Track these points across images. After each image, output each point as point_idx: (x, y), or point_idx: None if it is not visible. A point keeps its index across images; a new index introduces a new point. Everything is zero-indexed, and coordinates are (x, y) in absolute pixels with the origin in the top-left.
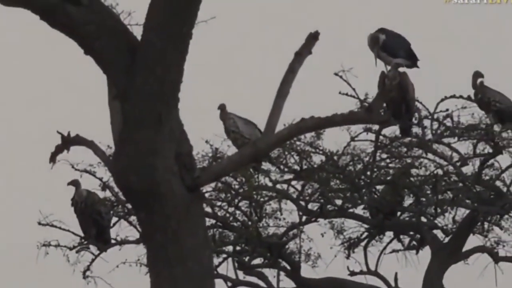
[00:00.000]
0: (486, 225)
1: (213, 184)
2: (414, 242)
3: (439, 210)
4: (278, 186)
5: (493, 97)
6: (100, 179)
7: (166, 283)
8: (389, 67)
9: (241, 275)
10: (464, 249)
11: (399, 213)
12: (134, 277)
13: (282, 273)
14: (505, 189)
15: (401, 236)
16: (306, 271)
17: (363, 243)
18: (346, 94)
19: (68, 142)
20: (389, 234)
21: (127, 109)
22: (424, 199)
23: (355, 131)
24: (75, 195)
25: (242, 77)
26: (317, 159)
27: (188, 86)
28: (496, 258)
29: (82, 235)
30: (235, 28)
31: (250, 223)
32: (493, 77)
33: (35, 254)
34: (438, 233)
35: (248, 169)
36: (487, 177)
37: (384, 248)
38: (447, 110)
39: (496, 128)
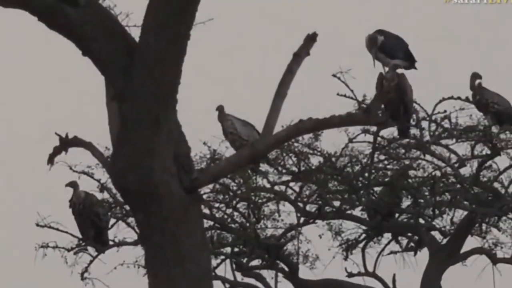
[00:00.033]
0: (484, 226)
1: (211, 186)
2: (412, 244)
3: (437, 212)
4: (276, 187)
5: (491, 99)
6: (98, 180)
7: (164, 284)
8: (387, 69)
9: (239, 276)
10: (462, 251)
11: (397, 215)
12: (132, 279)
13: (280, 274)
14: (503, 191)
15: (399, 238)
16: (304, 273)
17: (361, 245)
18: (344, 96)
19: (66, 143)
20: (387, 235)
21: (125, 110)
22: (422, 201)
23: (353, 132)
24: (73, 196)
25: (240, 79)
26: (315, 160)
27: (186, 88)
28: (494, 260)
29: (80, 236)
30: (233, 29)
31: (248, 224)
32: (493, 77)
33: (33, 255)
34: (436, 235)
35: (246, 170)
36: (485, 179)
37: (382, 249)
38: (445, 111)
39: (494, 129)
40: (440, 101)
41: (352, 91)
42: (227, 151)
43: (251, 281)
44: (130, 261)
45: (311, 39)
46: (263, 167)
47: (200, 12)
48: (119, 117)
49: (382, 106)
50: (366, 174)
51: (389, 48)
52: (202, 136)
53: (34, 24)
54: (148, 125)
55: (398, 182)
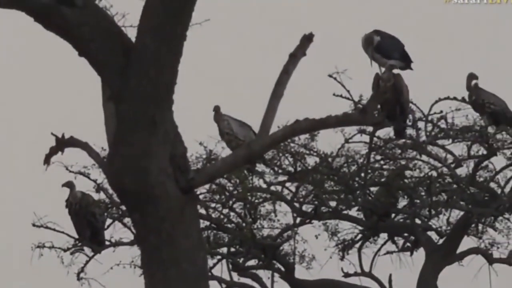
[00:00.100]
0: (480, 226)
1: (207, 186)
2: (408, 244)
3: (433, 212)
4: (272, 187)
5: (487, 99)
6: (95, 181)
7: (161, 284)
8: (383, 69)
9: (235, 276)
10: (458, 251)
11: (393, 215)
12: (128, 279)
13: (276, 274)
14: (499, 191)
15: (395, 238)
16: (300, 273)
17: (357, 245)
18: (340, 96)
19: (62, 143)
20: (383, 235)
21: (121, 110)
22: (418, 201)
23: (349, 132)
24: (70, 196)
25: (236, 79)
26: (311, 160)
27: (182, 88)
28: (491, 260)
29: (77, 236)
30: (230, 29)
31: (244, 224)
32: (493, 78)
33: (29, 255)
34: (432, 235)
35: (242, 170)
36: (481, 179)
37: (379, 249)
38: (441, 111)
39: (490, 129)
40: (436, 102)
41: (348, 91)
42: (223, 151)
43: (248, 281)
44: (126, 261)
45: (307, 39)
46: (260, 167)
47: (198, 13)
48: (116, 117)
49: (378, 106)
50: (363, 174)
51: (385, 48)
52: (198, 137)
53: (31, 25)
54: (144, 125)
55: (394, 182)
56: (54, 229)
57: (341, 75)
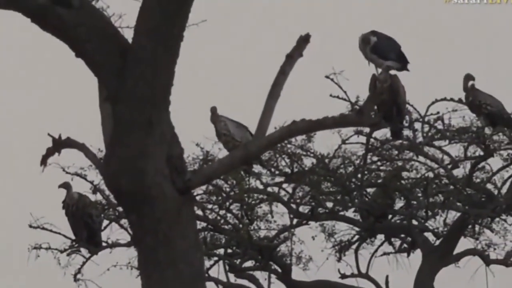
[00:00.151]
0: (477, 227)
1: (204, 187)
2: (405, 245)
3: (430, 213)
4: (269, 188)
5: (484, 100)
6: (91, 182)
7: (157, 285)
8: (380, 70)
9: (232, 278)
10: (455, 252)
11: (390, 216)
12: (125, 280)
13: (273, 275)
14: (496, 192)
15: (392, 239)
16: (297, 274)
17: (354, 246)
18: (337, 97)
19: (59, 144)
20: (380, 237)
21: (118, 111)
22: (415, 202)
23: (346, 133)
24: (66, 197)
25: (233, 80)
26: (308, 162)
27: (179, 89)
28: (487, 261)
29: (73, 238)
30: (228, 30)
31: (241, 226)
32: (493, 78)
33: (26, 256)
34: (429, 236)
35: (239, 171)
36: (478, 180)
37: (375, 251)
38: (438, 112)
39: (487, 131)
40: (433, 103)
41: (345, 92)
42: (220, 152)
43: (244, 282)
44: (123, 262)
45: (304, 40)
46: (256, 168)
47: (194, 13)
48: (112, 118)
49: (375, 107)
50: (359, 176)
51: (381, 49)
52: (195, 138)
53: (28, 25)
54: (141, 126)
55: (391, 184)
56: (50, 230)
57: (338, 76)
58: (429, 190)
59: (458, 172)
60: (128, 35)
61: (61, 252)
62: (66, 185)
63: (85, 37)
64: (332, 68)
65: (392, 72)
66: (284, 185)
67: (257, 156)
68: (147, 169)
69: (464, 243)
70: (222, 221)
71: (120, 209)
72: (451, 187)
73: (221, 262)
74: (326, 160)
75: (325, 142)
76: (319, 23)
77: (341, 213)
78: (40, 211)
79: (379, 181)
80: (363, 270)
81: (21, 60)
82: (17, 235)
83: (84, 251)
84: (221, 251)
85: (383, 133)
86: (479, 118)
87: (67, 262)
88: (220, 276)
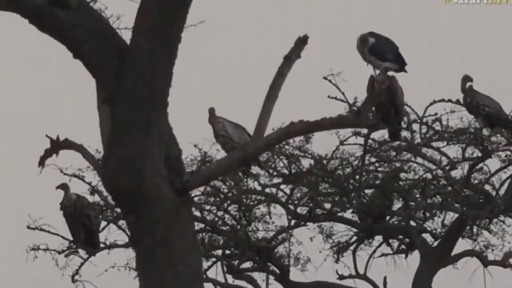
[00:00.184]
0: (475, 229)
1: (202, 188)
2: (403, 246)
3: (428, 214)
4: (267, 190)
5: (481, 101)
6: (89, 183)
7: (155, 286)
8: (378, 71)
9: (230, 279)
10: (453, 253)
11: (388, 217)
12: (123, 281)
13: (271, 277)
14: (494, 193)
15: (390, 240)
16: (295, 275)
17: (352, 247)
18: (335, 98)
19: (57, 146)
20: (378, 238)
21: (116, 113)
22: (413, 203)
23: (344, 135)
24: (64, 199)
25: (231, 82)
26: (306, 163)
27: (177, 90)
28: (485, 262)
29: (71, 239)
30: (226, 30)
31: (239, 227)
32: (493, 78)
33: (24, 257)
34: (427, 237)
35: (237, 173)
36: (476, 181)
37: (373, 252)
38: (436, 114)
39: (485, 132)
40: (431, 104)
41: (343, 93)
42: (218, 153)
43: (242, 283)
44: (121, 263)
45: (302, 42)
46: (254, 169)
47: (193, 14)
48: (110, 119)
49: (373, 108)
50: (357, 177)
51: (379, 50)
52: (193, 139)
53: (25, 26)
54: (139, 127)
55: (389, 185)
56: (49, 232)
57: (335, 77)
58: (427, 191)
59: (456, 173)
60: (126, 36)
61: (59, 253)
62: (64, 186)
63: (83, 38)
64: (330, 69)
65: (390, 73)
66: (282, 186)
67: (255, 157)
68: (145, 170)
69: (462, 244)
70: (220, 222)
71: (118, 210)
72: (449, 188)
73: (219, 263)
74: (324, 161)
75: (323, 143)
76: (317, 24)
77: (339, 214)
78: (38, 212)
79: (377, 182)
80: (361, 271)
81: (20, 60)
82: (15, 236)
83: (82, 252)
84: (219, 252)
85: (381, 134)
86: (477, 119)
87: (65, 263)
88: (218, 277)
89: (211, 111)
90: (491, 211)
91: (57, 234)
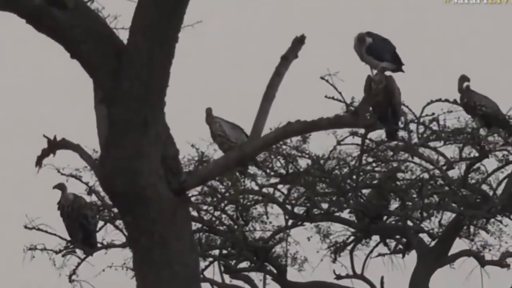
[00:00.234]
0: (472, 229)
1: (199, 188)
2: (400, 246)
3: (425, 214)
4: (264, 189)
5: (479, 101)
6: (86, 183)
7: (153, 286)
8: (375, 71)
9: (227, 279)
10: (450, 253)
11: (385, 217)
12: (120, 281)
13: (268, 276)
14: (491, 193)
15: (387, 240)
16: (293, 275)
17: (349, 247)
18: (332, 98)
19: (54, 145)
20: (375, 238)
21: (113, 112)
22: (410, 203)
23: (341, 135)
24: (62, 198)
25: (228, 82)
26: (303, 163)
27: (174, 90)
28: (482, 262)
29: (69, 238)
30: (223, 31)
31: (236, 227)
32: (493, 77)
33: (21, 257)
34: (424, 237)
35: (234, 173)
36: (473, 181)
37: (370, 251)
38: (433, 114)
39: (482, 132)
40: (428, 104)
41: (340, 93)
42: (215, 153)
43: (240, 283)
44: (118, 263)
45: (299, 41)
46: (251, 169)
47: (192, 14)
48: (108, 119)
49: (370, 108)
50: (354, 177)
51: (377, 50)
52: (190, 139)
53: (23, 26)
54: (136, 127)
55: (386, 185)
56: (46, 231)
57: (333, 77)
58: (424, 191)
59: (453, 173)
60: (124, 36)
61: (57, 253)
62: (61, 186)
63: (80, 38)
64: (327, 69)
65: (387, 73)
66: (279, 186)
67: (252, 157)
68: (142, 170)
69: (459, 244)
70: (217, 222)
71: (115, 210)
72: (446, 188)
73: (216, 263)
74: (321, 161)
75: (320, 143)
76: (314, 23)
77: (336, 214)
78: (35, 212)
79: (374, 182)
80: (358, 271)
81: (18, 61)
82: (12, 236)
83: (79, 252)
84: (216, 252)
85: (378, 134)
86: (474, 119)
87: (63, 263)
88: (215, 277)
89: (208, 111)
90: (488, 211)
91: (55, 234)
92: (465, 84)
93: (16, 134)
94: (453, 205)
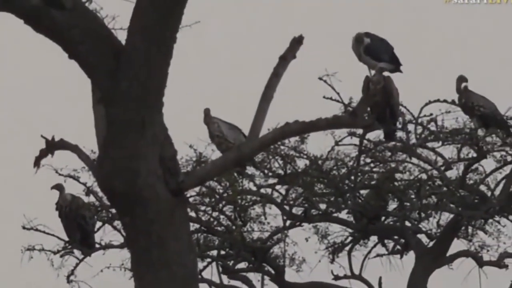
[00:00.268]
0: (470, 229)
1: (197, 189)
2: (398, 247)
3: (423, 215)
4: (262, 190)
5: (477, 102)
6: (84, 184)
7: (150, 287)
8: (373, 71)
9: (225, 279)
10: (448, 254)
11: (383, 218)
12: (118, 282)
13: (266, 277)
14: (489, 194)
15: (385, 241)
16: (291, 276)
17: (347, 248)
18: (331, 99)
19: (52, 146)
20: (374, 238)
21: (111, 113)
22: (408, 204)
23: (339, 135)
24: (60, 199)
25: (226, 82)
26: (301, 163)
27: (172, 91)
28: (481, 263)
29: (67, 239)
30: (221, 32)
31: (234, 227)
32: (493, 77)
33: (19, 258)
34: (423, 238)
35: (232, 173)
36: (471, 182)
37: (369, 252)
38: (431, 114)
39: (480, 132)
40: (426, 104)
41: (338, 94)
42: (213, 154)
43: (238, 283)
44: (116, 264)
45: (297, 42)
46: (249, 170)
47: (191, 14)
48: (106, 120)
49: (368, 109)
50: (352, 177)
51: (375, 51)
52: (188, 139)
53: (23, 26)
54: (134, 128)
55: (384, 185)
56: (44, 232)
57: (331, 78)
58: (422, 191)
59: (451, 174)
60: (122, 37)
61: (55, 253)
62: (59, 187)
63: (78, 39)
64: (325, 70)
65: (385, 73)
66: (277, 187)
67: (250, 158)
68: (140, 170)
69: (457, 245)
70: (215, 222)
71: (113, 210)
72: (444, 188)
73: (214, 264)
74: (319, 162)
75: (318, 143)
76: (314, 23)
77: (334, 214)
78: (33, 213)
79: (372, 182)
80: (356, 272)
81: (17, 61)
82: (10, 237)
83: (77, 252)
84: (214, 252)
85: (376, 134)
86: (472, 119)
87: (61, 264)
88: (213, 277)
89: (206, 111)
90: (486, 211)
91: (53, 235)
92: (463, 84)
93: (16, 134)
94: (451, 205)
